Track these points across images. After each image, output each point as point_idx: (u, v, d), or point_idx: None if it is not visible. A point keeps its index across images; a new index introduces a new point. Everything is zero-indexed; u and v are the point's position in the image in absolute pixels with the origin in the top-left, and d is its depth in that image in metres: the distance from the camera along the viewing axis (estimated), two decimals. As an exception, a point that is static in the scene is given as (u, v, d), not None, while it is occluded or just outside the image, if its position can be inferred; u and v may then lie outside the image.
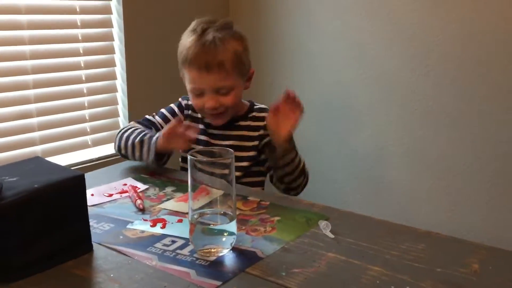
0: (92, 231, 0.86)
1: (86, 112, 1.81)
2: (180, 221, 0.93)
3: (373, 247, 0.83)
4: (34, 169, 0.82)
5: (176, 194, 1.07)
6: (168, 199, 1.04)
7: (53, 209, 0.75)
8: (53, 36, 1.69)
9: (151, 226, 0.91)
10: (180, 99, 1.34)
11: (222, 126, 1.27)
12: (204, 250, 0.81)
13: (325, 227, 0.90)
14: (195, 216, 0.81)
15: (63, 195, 0.76)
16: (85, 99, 1.80)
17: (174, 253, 0.81)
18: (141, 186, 1.11)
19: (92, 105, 1.82)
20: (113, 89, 1.89)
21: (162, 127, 1.30)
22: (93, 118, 1.83)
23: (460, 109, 1.74)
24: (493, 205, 1.73)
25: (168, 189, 1.10)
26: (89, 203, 0.99)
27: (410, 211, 1.89)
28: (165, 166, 1.24)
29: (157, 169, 1.22)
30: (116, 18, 1.84)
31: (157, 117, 1.32)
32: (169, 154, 1.21)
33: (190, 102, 1.30)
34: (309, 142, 2.09)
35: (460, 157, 1.77)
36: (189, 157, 0.79)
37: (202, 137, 1.30)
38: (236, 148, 1.14)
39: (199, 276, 0.74)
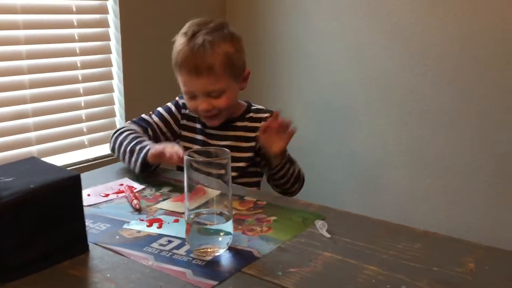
0: (89, 231, 0.86)
1: (82, 112, 1.80)
2: (176, 221, 0.93)
3: (370, 247, 0.83)
4: (30, 170, 0.82)
5: (172, 194, 1.07)
6: (164, 199, 1.04)
7: (49, 209, 0.75)
8: (49, 36, 1.69)
9: (148, 226, 0.91)
10: (177, 98, 1.34)
11: (219, 126, 1.27)
12: (201, 250, 0.81)
13: (321, 226, 0.90)
14: (192, 216, 0.81)
15: (59, 196, 0.76)
16: (81, 99, 1.79)
17: (170, 253, 0.81)
18: (138, 186, 1.11)
19: (88, 105, 1.82)
20: (110, 89, 1.89)
21: (159, 127, 1.30)
22: (90, 118, 1.83)
23: (458, 109, 1.74)
24: (491, 205, 1.73)
25: (165, 189, 1.10)
26: (85, 203, 0.99)
27: (408, 211, 1.89)
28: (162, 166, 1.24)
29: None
30: (112, 18, 1.84)
31: (153, 116, 1.32)
32: (157, 165, 1.20)
33: None
34: (307, 142, 2.09)
35: (458, 157, 1.77)
36: (185, 157, 0.79)
37: (199, 137, 1.30)
38: (233, 148, 1.14)
39: (195, 276, 0.74)
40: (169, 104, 1.34)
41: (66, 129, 1.77)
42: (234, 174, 1.19)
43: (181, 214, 0.95)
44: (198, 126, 1.30)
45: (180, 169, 1.25)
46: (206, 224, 0.82)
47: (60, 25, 1.71)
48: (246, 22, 2.17)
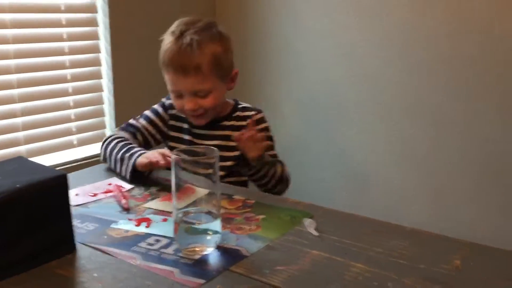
0: (76, 231, 0.86)
1: (71, 112, 1.80)
2: (165, 220, 0.93)
3: (357, 244, 0.84)
4: (16, 169, 0.81)
5: (161, 194, 1.07)
6: (153, 199, 1.04)
7: (36, 209, 0.75)
8: (38, 35, 1.68)
9: (136, 225, 0.91)
10: (163, 99, 1.34)
11: (206, 126, 1.27)
12: (189, 249, 0.81)
13: (309, 225, 0.90)
14: (180, 215, 0.81)
15: (45, 195, 0.76)
16: (70, 99, 1.79)
17: (158, 252, 0.81)
18: (126, 186, 1.11)
19: (77, 104, 1.81)
20: (99, 89, 1.88)
21: (147, 130, 1.30)
22: (79, 117, 1.82)
23: (448, 108, 1.75)
24: (479, 203, 1.75)
25: (153, 189, 1.10)
26: (73, 203, 0.99)
27: (397, 209, 1.90)
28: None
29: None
30: (101, 17, 1.83)
31: (141, 121, 1.31)
32: (150, 171, 1.19)
33: None
34: (297, 141, 2.10)
35: (447, 156, 1.78)
36: (173, 156, 0.79)
37: (187, 137, 1.30)
38: (220, 148, 1.13)
39: (183, 275, 0.74)
40: (155, 106, 1.33)
41: (55, 129, 1.76)
42: (222, 173, 1.19)
43: (169, 213, 0.95)
44: (186, 126, 1.30)
45: (169, 168, 1.25)
46: (194, 223, 0.82)
47: (49, 24, 1.70)
48: (236, 21, 2.18)
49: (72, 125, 1.81)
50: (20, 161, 0.86)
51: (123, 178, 1.15)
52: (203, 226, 0.82)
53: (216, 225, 0.82)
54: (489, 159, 1.70)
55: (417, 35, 1.77)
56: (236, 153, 1.26)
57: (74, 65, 1.78)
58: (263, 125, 1.30)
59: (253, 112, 1.30)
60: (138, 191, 1.08)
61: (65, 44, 1.75)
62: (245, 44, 2.15)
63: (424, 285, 0.71)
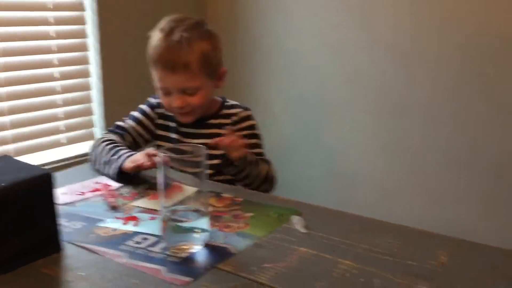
0: (63, 229, 0.85)
1: (60, 110, 1.78)
2: (153, 218, 0.93)
3: (345, 241, 0.84)
4: (1, 168, 0.81)
5: (149, 192, 1.06)
6: (141, 197, 1.04)
7: (21, 207, 0.74)
8: (25, 33, 1.66)
9: (123, 224, 0.91)
10: (150, 98, 1.33)
11: (193, 124, 1.27)
12: (177, 247, 0.80)
13: (297, 222, 0.90)
14: (167, 214, 0.81)
15: (30, 194, 0.75)
16: (58, 97, 1.77)
17: (145, 251, 0.81)
18: (114, 184, 1.10)
19: (66, 103, 1.80)
20: (88, 87, 1.87)
21: (135, 130, 1.29)
22: (68, 116, 1.81)
23: (435, 107, 1.76)
24: (466, 200, 1.76)
25: (141, 187, 1.09)
26: (60, 201, 0.98)
27: (386, 208, 1.91)
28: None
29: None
30: (90, 14, 1.82)
31: (129, 121, 1.30)
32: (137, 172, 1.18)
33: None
34: (286, 139, 2.10)
35: (437, 155, 1.79)
36: (160, 155, 0.79)
37: (174, 136, 1.29)
38: (208, 146, 1.13)
39: (171, 273, 0.74)
40: (142, 106, 1.32)
41: (44, 127, 1.75)
42: (210, 171, 1.19)
43: (157, 211, 0.95)
44: (173, 124, 1.30)
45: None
46: (182, 221, 0.82)
47: (37, 22, 1.69)
48: (226, 20, 2.17)
49: (61, 123, 1.79)
50: (5, 160, 0.86)
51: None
52: (190, 224, 0.81)
53: (204, 223, 0.82)
54: (476, 157, 1.72)
55: (407, 34, 1.78)
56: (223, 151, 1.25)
57: (62, 63, 1.77)
58: (250, 123, 1.29)
59: (239, 110, 1.30)
60: (126, 190, 1.08)
61: (53, 42, 1.73)
62: (235, 43, 2.15)
63: (410, 281, 0.72)
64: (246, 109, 1.31)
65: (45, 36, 1.71)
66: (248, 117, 1.30)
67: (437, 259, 0.78)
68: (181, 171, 0.80)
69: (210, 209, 0.93)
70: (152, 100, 1.32)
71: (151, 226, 0.89)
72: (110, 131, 1.30)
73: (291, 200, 1.03)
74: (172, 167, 0.79)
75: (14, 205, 0.74)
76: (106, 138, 1.24)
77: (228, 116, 1.29)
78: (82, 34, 1.82)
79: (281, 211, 0.96)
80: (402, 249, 0.82)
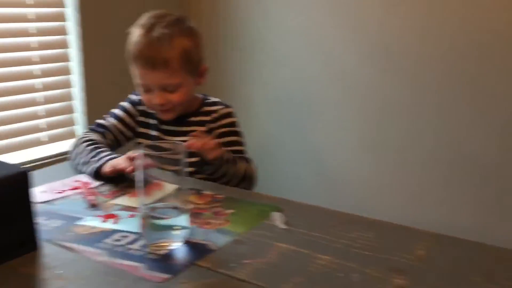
0: (42, 228, 0.85)
1: (40, 108, 1.77)
2: (132, 216, 0.92)
3: (324, 237, 0.85)
4: (-23, 166, 0.80)
5: (129, 190, 1.06)
6: (121, 195, 1.03)
7: (-3, 206, 0.73)
8: (5, 30, 1.64)
9: (103, 222, 0.90)
10: (131, 95, 1.32)
11: (174, 122, 1.26)
12: (156, 244, 0.80)
13: (278, 218, 0.91)
14: (147, 211, 0.81)
15: (6, 193, 0.74)
16: (39, 95, 1.75)
17: (124, 248, 0.80)
18: (94, 183, 1.09)
19: (47, 101, 1.78)
20: (69, 85, 1.85)
21: (116, 127, 1.28)
22: (49, 114, 1.79)
23: (420, 107, 1.77)
24: (451, 200, 1.77)
25: (121, 185, 1.08)
26: (39, 200, 0.98)
27: (371, 206, 1.91)
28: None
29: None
30: (71, 11, 1.80)
31: (110, 119, 1.29)
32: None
33: None
34: (270, 137, 2.10)
35: (420, 154, 1.81)
36: (140, 152, 0.79)
37: (154, 133, 1.28)
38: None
39: (149, 270, 0.74)
40: (123, 103, 1.31)
41: (24, 126, 1.73)
42: (191, 169, 1.19)
43: (137, 209, 0.94)
44: (154, 122, 1.29)
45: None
46: (161, 219, 0.81)
47: (16, 19, 1.67)
48: (208, 17, 2.16)
49: (42, 121, 1.77)
50: (-19, 158, 0.85)
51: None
52: (170, 221, 0.81)
53: (184, 220, 0.82)
54: (463, 158, 1.73)
55: (392, 34, 1.78)
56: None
57: (43, 60, 1.75)
58: (230, 120, 1.28)
59: (220, 107, 1.29)
60: (106, 188, 1.07)
61: (34, 39, 1.71)
62: (218, 40, 2.14)
63: (386, 275, 0.72)
64: (227, 106, 1.31)
65: (26, 33, 1.69)
66: (229, 114, 1.29)
67: (414, 253, 0.79)
68: (161, 168, 0.80)
69: (191, 206, 0.93)
70: (134, 97, 1.31)
71: (130, 224, 0.89)
72: (91, 130, 1.28)
73: (272, 197, 1.03)
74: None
75: (-11, 203, 0.73)
76: (87, 138, 1.23)
77: (209, 113, 1.28)
78: (63, 31, 1.80)
79: (262, 208, 0.96)
80: (381, 244, 0.82)
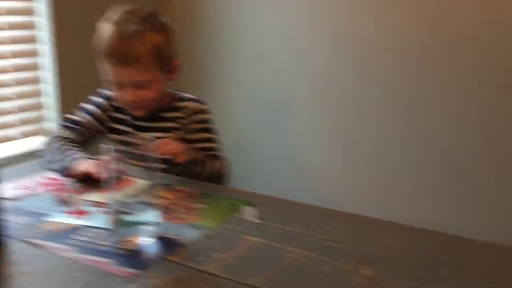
0: (9, 225, 0.83)
1: (12, 104, 1.73)
2: (102, 212, 0.91)
3: (296, 230, 0.85)
4: None
5: (99, 186, 1.04)
6: (91, 191, 1.02)
7: (-40, 202, 0.72)
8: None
9: (73, 218, 0.89)
10: (101, 90, 1.30)
11: (147, 118, 1.25)
12: (126, 240, 0.80)
13: (249, 212, 0.91)
14: (117, 207, 0.80)
15: (-30, 188, 0.73)
16: (10, 90, 1.72)
17: (94, 244, 0.80)
18: (64, 179, 1.08)
19: (19, 96, 1.75)
20: (40, 80, 1.82)
21: (90, 124, 1.25)
22: (20, 110, 1.76)
23: (391, 108, 1.79)
24: (422, 198, 1.80)
25: (92, 181, 1.07)
26: (8, 196, 0.96)
27: (344, 204, 1.91)
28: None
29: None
30: (42, 6, 1.76)
31: (82, 114, 1.27)
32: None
33: None
34: (246, 135, 2.10)
35: (391, 153, 1.83)
36: (111, 147, 0.78)
37: (127, 129, 1.27)
38: (161, 139, 1.12)
39: (118, 266, 0.73)
40: (95, 98, 1.29)
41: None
42: (163, 165, 1.18)
43: (107, 205, 0.93)
44: (127, 118, 1.27)
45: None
46: (131, 214, 0.81)
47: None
48: (182, 13, 2.15)
49: (12, 118, 1.74)
50: None
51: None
52: (140, 217, 0.80)
53: (155, 215, 0.81)
54: (434, 157, 1.75)
55: (364, 34, 1.80)
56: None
57: (15, 55, 1.71)
58: (202, 116, 1.27)
59: (193, 103, 1.28)
60: (76, 184, 1.06)
61: (4, 34, 1.68)
62: (192, 36, 2.13)
63: (354, 267, 0.73)
64: (201, 103, 1.29)
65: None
66: (202, 111, 1.28)
67: (382, 245, 0.80)
68: (132, 164, 0.79)
69: (163, 201, 0.92)
70: (108, 92, 1.29)
71: (100, 220, 0.88)
72: (64, 126, 1.26)
73: (245, 191, 1.03)
74: (123, 160, 0.78)
75: (-48, 199, 0.71)
76: (59, 135, 1.21)
77: (181, 109, 1.27)
78: (32, 26, 1.76)
79: (234, 202, 0.97)
80: (351, 237, 0.83)
